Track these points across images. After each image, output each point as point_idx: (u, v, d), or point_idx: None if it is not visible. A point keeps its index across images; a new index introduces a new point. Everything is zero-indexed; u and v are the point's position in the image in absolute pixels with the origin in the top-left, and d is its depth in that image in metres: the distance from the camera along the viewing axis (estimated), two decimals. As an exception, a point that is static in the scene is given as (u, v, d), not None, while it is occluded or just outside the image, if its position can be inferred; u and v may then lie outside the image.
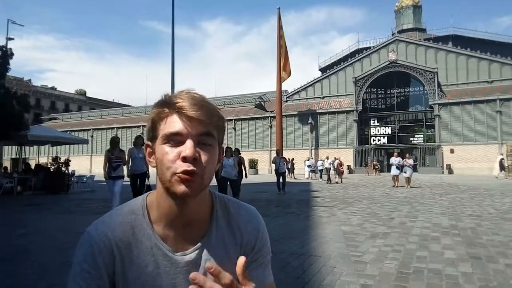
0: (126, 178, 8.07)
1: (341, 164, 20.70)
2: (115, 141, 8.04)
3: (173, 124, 0.75)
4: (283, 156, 14.69)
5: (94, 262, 0.76)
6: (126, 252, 0.78)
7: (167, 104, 0.77)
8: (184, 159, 0.73)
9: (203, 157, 0.75)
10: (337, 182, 19.37)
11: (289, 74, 34.19)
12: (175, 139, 0.75)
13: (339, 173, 20.07)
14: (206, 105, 0.77)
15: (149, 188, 7.72)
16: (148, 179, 8.09)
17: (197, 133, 0.75)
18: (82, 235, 0.79)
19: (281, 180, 13.54)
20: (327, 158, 20.87)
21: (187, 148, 0.73)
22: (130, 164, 8.11)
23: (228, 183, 9.43)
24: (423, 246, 4.71)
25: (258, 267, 0.88)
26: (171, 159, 0.74)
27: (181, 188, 0.73)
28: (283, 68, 33.14)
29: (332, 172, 20.59)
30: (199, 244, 0.82)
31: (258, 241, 0.88)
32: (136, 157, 8.08)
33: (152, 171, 8.62)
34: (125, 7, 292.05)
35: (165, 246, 0.79)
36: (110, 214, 0.83)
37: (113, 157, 7.75)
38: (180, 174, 0.73)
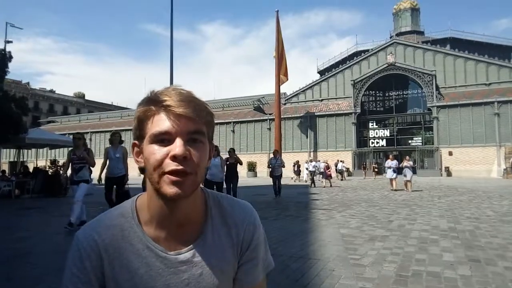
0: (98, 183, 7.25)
1: (328, 167, 19.81)
2: (77, 139, 6.78)
3: (161, 122, 0.72)
4: (280, 157, 13.14)
5: (82, 266, 0.75)
6: (116, 255, 0.77)
7: (153, 102, 0.74)
8: (174, 158, 0.70)
9: (194, 155, 0.73)
10: (324, 186, 18.37)
11: (286, 77, 34.07)
12: (163, 138, 0.72)
13: (327, 176, 19.25)
14: (194, 100, 0.75)
15: (128, 193, 6.83)
16: (127, 183, 7.06)
17: (187, 131, 0.72)
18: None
19: (277, 183, 12.36)
20: (311, 161, 19.99)
21: (177, 146, 0.70)
22: (106, 165, 7.05)
23: (215, 187, 8.44)
24: (422, 249, 4.70)
25: (256, 266, 0.87)
26: (159, 158, 0.71)
27: (171, 189, 0.71)
28: (280, 72, 33.26)
29: (317, 175, 19.72)
30: (194, 243, 0.80)
31: (256, 236, 0.87)
32: (113, 157, 6.90)
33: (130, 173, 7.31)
34: (124, 10, 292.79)
35: (158, 247, 0.78)
36: (98, 218, 0.82)
37: (75, 158, 6.54)
38: (169, 175, 0.71)
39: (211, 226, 0.83)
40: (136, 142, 0.78)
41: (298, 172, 26.07)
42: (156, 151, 0.72)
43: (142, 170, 0.79)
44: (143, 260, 0.77)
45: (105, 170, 7.10)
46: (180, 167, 0.71)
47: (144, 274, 0.76)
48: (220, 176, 8.65)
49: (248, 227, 0.86)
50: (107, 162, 7.01)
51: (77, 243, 0.77)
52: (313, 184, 18.88)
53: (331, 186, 18.83)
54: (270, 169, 12.69)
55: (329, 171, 20.04)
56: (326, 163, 20.52)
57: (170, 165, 0.71)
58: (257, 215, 0.90)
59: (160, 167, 0.71)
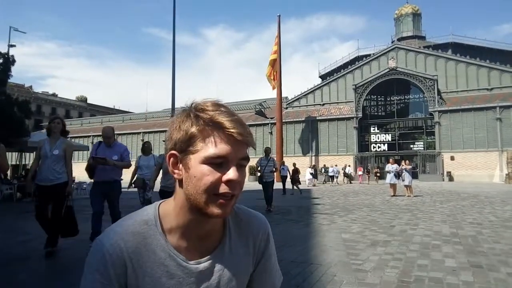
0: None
1: (297, 171, 17.68)
2: None
3: (221, 146, 0.73)
4: (274, 159, 10.35)
5: (106, 272, 0.75)
6: (140, 263, 0.77)
7: (209, 121, 0.74)
8: (228, 182, 0.73)
9: (242, 179, 0.76)
10: (292, 194, 16.41)
11: (276, 80, 33.78)
12: (218, 161, 0.73)
13: (295, 182, 17.32)
14: (245, 126, 0.77)
15: (71, 209, 4.90)
16: (70, 196, 4.93)
17: (240, 157, 0.75)
18: (93, 243, 0.79)
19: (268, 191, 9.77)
20: (283, 163, 18.05)
21: (233, 172, 0.73)
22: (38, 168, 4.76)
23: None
24: (424, 254, 4.69)
25: (272, 275, 0.92)
26: (214, 181, 0.73)
27: (218, 211, 0.74)
28: (276, 75, 33.32)
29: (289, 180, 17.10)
30: (212, 254, 0.83)
31: (270, 245, 0.92)
32: (48, 155, 4.63)
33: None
34: (127, 14, 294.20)
35: (179, 256, 0.79)
36: (121, 223, 0.81)
37: None
38: (221, 198, 0.74)
39: (229, 236, 0.86)
40: (176, 153, 0.77)
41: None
42: (210, 173, 0.73)
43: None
44: (165, 268, 0.78)
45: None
46: (231, 191, 0.74)
47: (166, 283, 0.77)
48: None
49: (264, 237, 0.91)
50: (40, 162, 4.74)
51: (102, 249, 0.76)
52: (285, 191, 16.57)
53: (300, 192, 17.02)
54: (259, 172, 9.87)
55: (298, 176, 17.99)
56: (294, 166, 18.06)
57: (224, 189, 0.73)
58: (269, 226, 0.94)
59: (212, 189, 0.73)
